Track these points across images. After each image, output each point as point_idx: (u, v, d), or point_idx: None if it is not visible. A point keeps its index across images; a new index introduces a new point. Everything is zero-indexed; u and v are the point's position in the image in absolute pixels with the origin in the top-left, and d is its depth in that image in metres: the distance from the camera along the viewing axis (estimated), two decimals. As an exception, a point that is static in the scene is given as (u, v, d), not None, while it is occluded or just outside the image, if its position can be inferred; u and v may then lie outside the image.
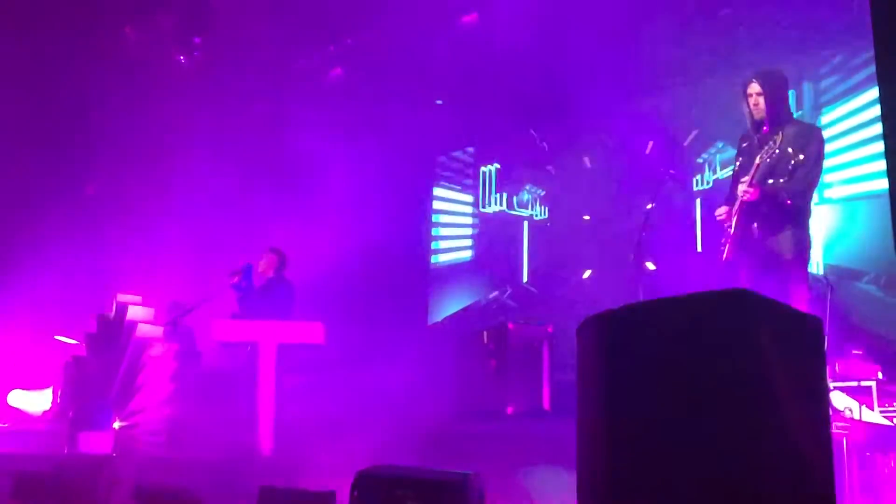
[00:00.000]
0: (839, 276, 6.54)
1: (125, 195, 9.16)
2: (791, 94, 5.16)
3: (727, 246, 4.87)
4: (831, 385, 5.35)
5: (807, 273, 4.76)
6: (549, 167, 9.41)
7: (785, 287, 4.64)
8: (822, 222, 6.71)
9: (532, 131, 9.38)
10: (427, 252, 9.92)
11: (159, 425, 6.46)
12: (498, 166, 9.80)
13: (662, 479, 2.33)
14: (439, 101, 9.67)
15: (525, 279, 9.33)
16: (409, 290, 9.14)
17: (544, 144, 9.40)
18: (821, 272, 6.64)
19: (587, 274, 8.89)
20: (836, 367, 5.51)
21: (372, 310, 8.54)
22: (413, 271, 9.36)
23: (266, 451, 5.86)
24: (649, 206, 5.17)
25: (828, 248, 6.74)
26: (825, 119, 6.83)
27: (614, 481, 2.47)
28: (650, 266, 7.40)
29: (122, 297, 6.83)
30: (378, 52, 9.10)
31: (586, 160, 9.16)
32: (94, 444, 5.75)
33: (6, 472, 5.43)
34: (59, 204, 8.82)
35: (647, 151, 8.24)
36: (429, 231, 10.02)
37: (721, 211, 5.02)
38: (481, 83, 8.91)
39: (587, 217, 9.14)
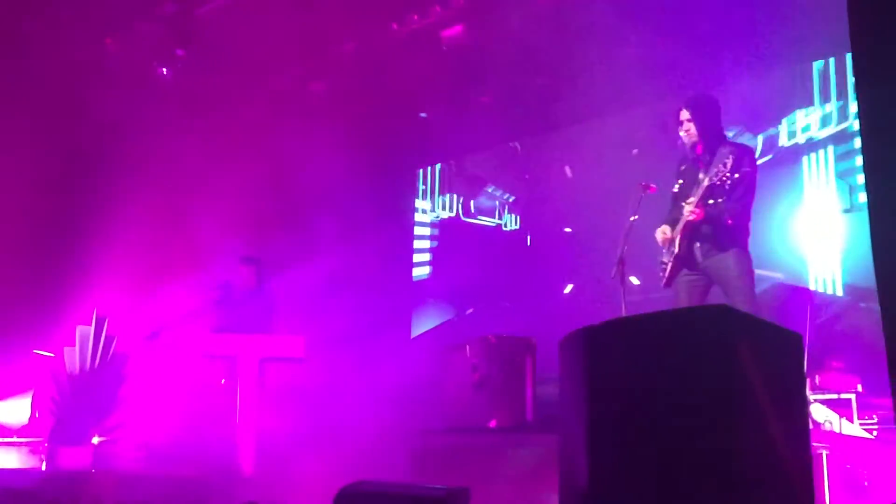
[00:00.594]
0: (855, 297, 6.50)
1: (105, 205, 9.08)
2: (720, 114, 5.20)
3: (669, 267, 4.94)
4: (811, 398, 5.40)
5: (752, 289, 4.84)
6: (525, 175, 9.41)
7: (733, 304, 4.71)
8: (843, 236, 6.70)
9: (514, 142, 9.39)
10: (409, 265, 9.91)
11: (139, 440, 6.41)
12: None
13: (644, 492, 2.34)
14: (423, 115, 9.70)
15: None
16: (392, 304, 9.13)
17: (516, 145, 9.41)
18: (839, 291, 6.63)
19: (569, 289, 8.92)
20: (816, 380, 5.56)
21: (354, 323, 8.51)
22: (395, 284, 9.35)
23: (247, 467, 5.83)
24: (632, 219, 5.21)
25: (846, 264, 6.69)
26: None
27: (596, 495, 2.48)
28: (634, 281, 7.46)
29: (100, 310, 6.77)
30: (358, 65, 9.11)
31: (567, 170, 9.18)
32: (74, 459, 5.69)
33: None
34: (35, 215, 8.74)
35: (634, 153, 8.27)
36: (410, 243, 10.02)
37: (665, 230, 5.08)
38: (461, 93, 8.95)
39: (568, 229, 9.17)
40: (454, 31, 8.73)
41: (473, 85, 8.80)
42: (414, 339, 9.03)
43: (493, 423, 5.68)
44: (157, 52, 9.31)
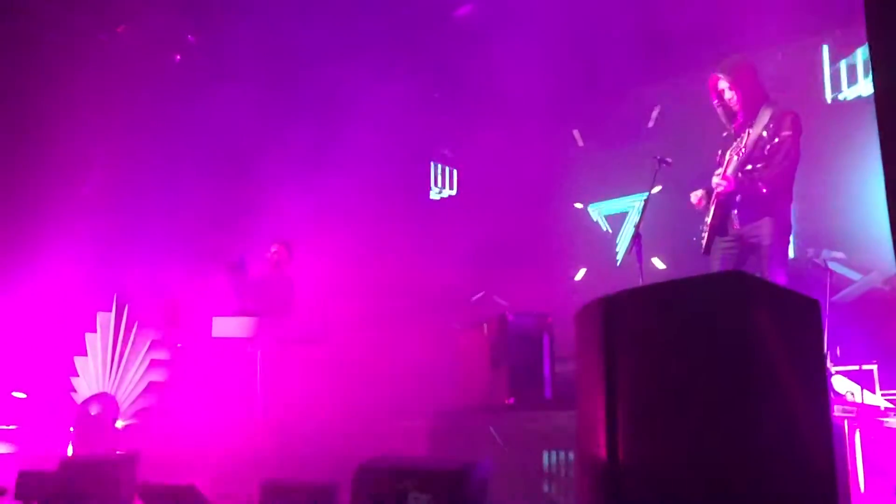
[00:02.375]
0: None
1: (123, 194, 9.14)
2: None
3: (705, 235, 4.87)
4: (833, 369, 5.36)
5: (786, 259, 4.74)
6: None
7: (763, 274, 4.62)
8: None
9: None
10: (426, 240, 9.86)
11: (162, 423, 6.47)
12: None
13: (662, 463, 2.33)
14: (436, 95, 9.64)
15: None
16: (409, 284, 9.12)
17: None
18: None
19: (581, 274, 8.78)
20: (838, 351, 5.52)
21: (371, 304, 8.52)
22: (411, 264, 9.33)
23: (267, 446, 5.87)
24: (653, 191, 5.16)
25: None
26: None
27: (613, 467, 2.47)
28: (659, 265, 7.42)
29: (121, 296, 6.83)
30: (376, 47, 9.07)
31: (577, 135, 8.98)
32: (99, 442, 5.77)
33: (11, 471, 5.44)
34: (57, 204, 8.80)
35: (650, 124, 8.15)
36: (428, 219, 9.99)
37: (696, 194, 5.00)
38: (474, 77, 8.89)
39: (579, 205, 9.04)
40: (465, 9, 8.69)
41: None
42: (430, 318, 9.01)
43: (510, 400, 5.68)
44: (170, 37, 9.33)
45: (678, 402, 2.32)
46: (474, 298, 9.13)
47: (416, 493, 2.88)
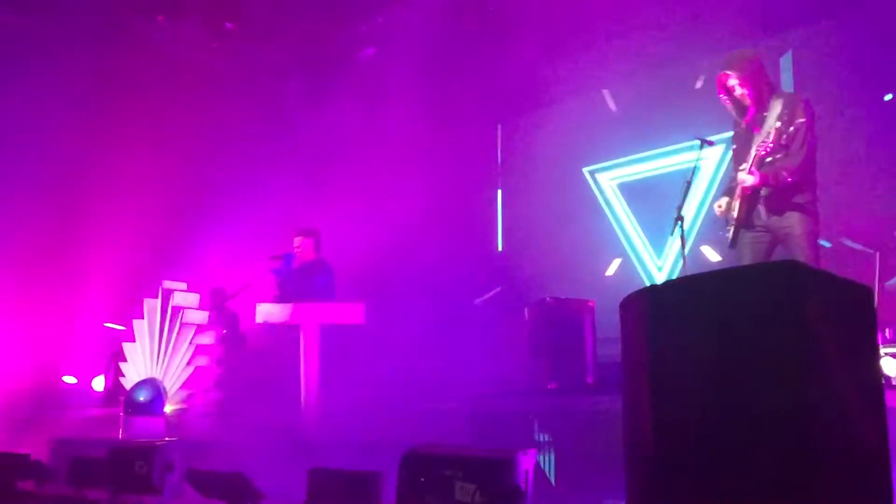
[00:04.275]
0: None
1: (167, 184, 9.27)
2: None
3: (732, 230, 4.81)
4: (882, 351, 5.27)
5: (816, 247, 4.66)
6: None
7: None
8: None
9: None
10: (471, 232, 9.83)
11: (208, 408, 6.58)
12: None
13: (711, 453, 2.31)
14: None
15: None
16: (450, 270, 9.13)
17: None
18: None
19: (613, 268, 8.62)
20: (887, 333, 5.42)
21: (413, 289, 8.55)
22: (451, 251, 9.33)
23: (312, 432, 5.93)
24: (696, 171, 5.10)
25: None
26: None
27: (662, 456, 2.46)
28: (712, 256, 7.31)
29: (167, 284, 6.94)
30: (409, 29, 9.04)
31: (606, 95, 8.83)
32: (148, 428, 5.88)
33: (62, 456, 5.58)
34: (103, 195, 8.95)
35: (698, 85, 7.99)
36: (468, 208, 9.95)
37: (722, 202, 4.94)
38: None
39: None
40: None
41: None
42: (472, 304, 9.02)
43: (552, 385, 5.68)
44: (206, 27, 9.40)
45: (727, 392, 2.29)
46: (483, 298, 9.05)
47: (461, 483, 2.90)
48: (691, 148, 5.70)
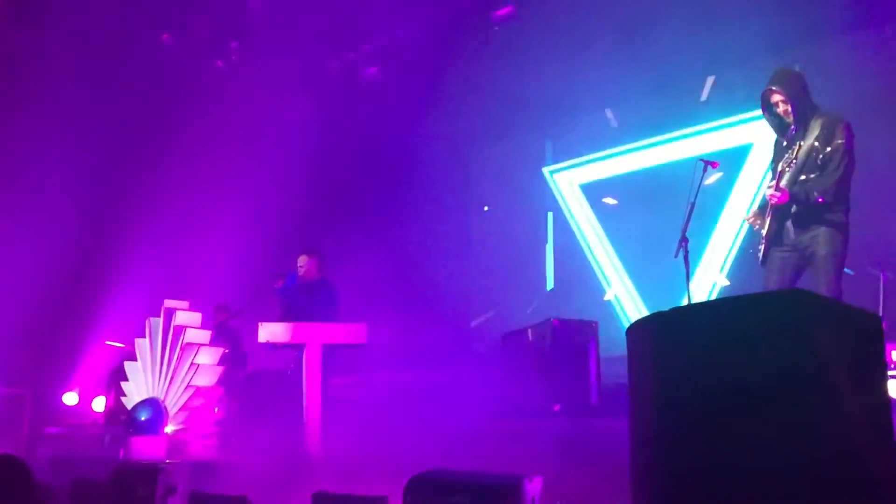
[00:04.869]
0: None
1: (169, 202, 9.28)
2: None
3: (762, 247, 4.80)
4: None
5: (840, 269, 4.64)
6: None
7: (818, 284, 4.56)
8: None
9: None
10: (470, 251, 9.87)
11: (210, 429, 6.54)
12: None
13: (718, 481, 2.30)
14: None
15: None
16: (453, 291, 9.14)
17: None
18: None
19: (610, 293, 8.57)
20: (893, 355, 5.40)
21: (416, 310, 8.54)
22: (455, 271, 9.34)
23: (315, 454, 5.90)
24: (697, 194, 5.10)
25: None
26: None
27: (670, 484, 2.44)
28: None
29: (169, 303, 6.91)
30: (411, 50, 9.10)
31: (609, 114, 8.88)
32: (148, 448, 5.85)
33: (64, 477, 5.55)
34: (107, 213, 8.97)
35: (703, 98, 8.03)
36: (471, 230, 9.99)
37: (752, 213, 4.95)
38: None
39: (613, 200, 8.88)
40: (505, 10, 8.67)
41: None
42: (475, 325, 9.01)
43: (557, 407, 5.66)
44: (212, 45, 9.44)
45: (735, 420, 2.28)
46: (475, 323, 9.04)
47: (467, 509, 2.88)
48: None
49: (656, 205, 7.62)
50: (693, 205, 5.17)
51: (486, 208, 9.75)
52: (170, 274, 8.71)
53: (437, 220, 9.47)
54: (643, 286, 8.49)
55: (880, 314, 5.35)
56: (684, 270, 5.05)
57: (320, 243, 7.74)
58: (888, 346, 5.29)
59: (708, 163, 5.32)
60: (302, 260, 7.23)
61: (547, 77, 8.43)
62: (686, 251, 5.10)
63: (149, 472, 4.43)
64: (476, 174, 10.12)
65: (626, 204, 8.50)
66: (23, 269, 8.49)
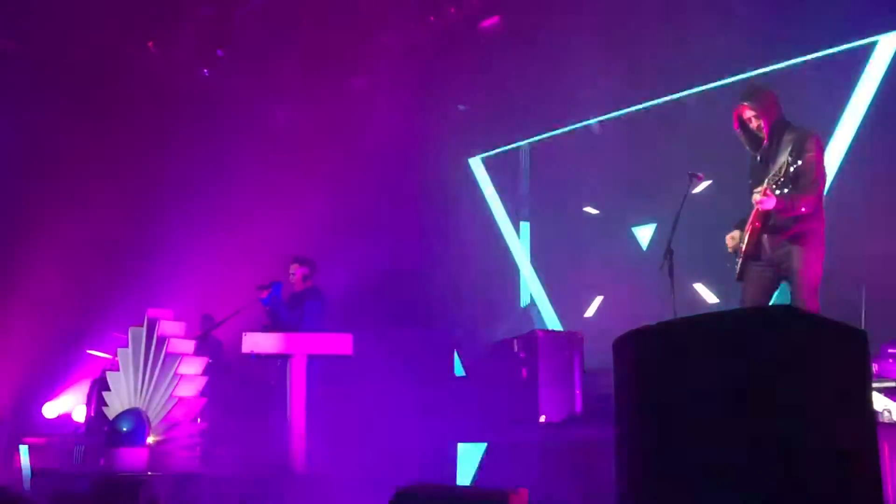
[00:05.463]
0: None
1: (152, 210, 9.23)
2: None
3: (739, 262, 4.82)
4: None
5: (817, 283, 4.67)
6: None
7: (794, 298, 4.59)
8: None
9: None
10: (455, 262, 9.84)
11: (193, 440, 6.48)
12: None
13: (703, 496, 2.31)
14: (461, 107, 9.66)
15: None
16: (436, 301, 9.12)
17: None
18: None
19: (593, 308, 8.65)
20: (874, 368, 5.43)
21: (400, 321, 8.53)
22: (439, 282, 9.32)
23: (299, 466, 5.86)
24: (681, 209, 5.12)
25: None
26: None
27: (654, 498, 2.45)
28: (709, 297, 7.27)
29: (152, 312, 6.85)
30: (397, 58, 9.11)
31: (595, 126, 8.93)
32: (130, 460, 5.78)
33: (45, 489, 5.49)
34: (86, 220, 8.90)
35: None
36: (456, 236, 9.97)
37: (735, 235, 4.94)
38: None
39: (593, 210, 8.93)
40: (492, 21, 8.71)
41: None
42: (460, 335, 8.98)
43: (542, 418, 5.66)
44: (197, 54, 9.41)
45: (720, 435, 2.29)
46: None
47: (453, 523, 2.87)
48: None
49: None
50: (677, 219, 5.18)
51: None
52: (153, 283, 8.66)
53: (425, 228, 9.46)
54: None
55: (862, 327, 5.39)
56: (670, 283, 5.06)
57: (307, 250, 7.73)
58: (871, 359, 5.35)
59: (694, 175, 5.34)
60: (292, 268, 7.29)
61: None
62: (671, 264, 5.10)
63: (130, 485, 4.40)
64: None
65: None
66: (10, 278, 8.44)
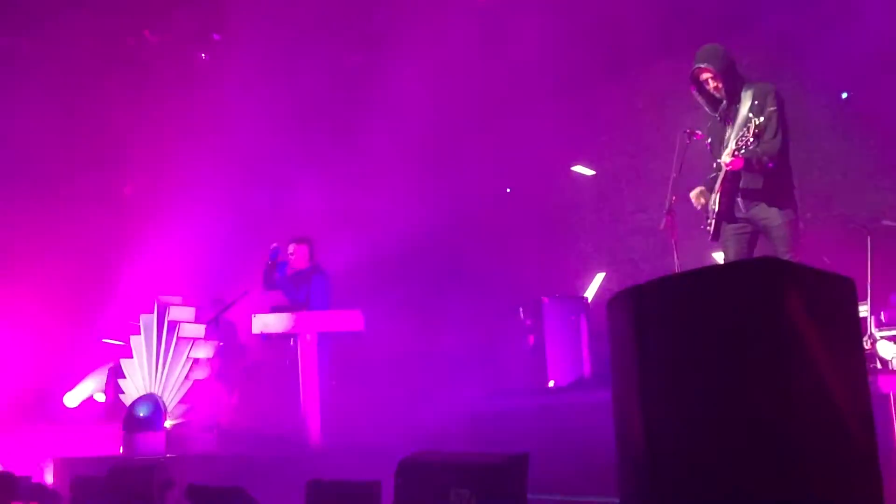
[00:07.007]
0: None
1: (162, 195, 9.26)
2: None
3: (713, 222, 4.80)
4: (878, 335, 5.27)
5: (797, 236, 4.68)
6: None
7: (777, 253, 4.59)
8: None
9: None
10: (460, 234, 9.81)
11: (208, 422, 6.57)
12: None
13: (698, 453, 2.33)
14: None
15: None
16: (444, 274, 9.13)
17: None
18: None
19: (594, 288, 8.62)
20: (882, 316, 5.42)
21: (409, 295, 8.55)
22: (447, 254, 9.33)
23: (312, 442, 5.92)
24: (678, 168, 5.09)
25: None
26: None
27: (651, 457, 2.47)
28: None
29: (163, 298, 6.92)
30: (398, 36, 9.04)
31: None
32: (148, 444, 5.87)
33: (64, 475, 5.59)
34: (97, 206, 8.96)
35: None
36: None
37: (695, 194, 4.93)
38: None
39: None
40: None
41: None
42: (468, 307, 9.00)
43: (551, 383, 5.70)
44: (195, 37, 9.39)
45: (713, 391, 2.31)
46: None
47: (457, 489, 2.90)
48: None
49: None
50: (675, 179, 5.14)
51: (508, 190, 9.71)
52: (164, 268, 8.72)
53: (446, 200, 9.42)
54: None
55: (868, 276, 5.38)
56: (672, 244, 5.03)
57: (314, 230, 7.74)
58: (881, 308, 5.34)
59: (691, 133, 5.28)
60: (292, 248, 7.21)
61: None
62: (673, 224, 5.07)
63: (145, 468, 4.47)
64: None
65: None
66: (23, 268, 8.51)
